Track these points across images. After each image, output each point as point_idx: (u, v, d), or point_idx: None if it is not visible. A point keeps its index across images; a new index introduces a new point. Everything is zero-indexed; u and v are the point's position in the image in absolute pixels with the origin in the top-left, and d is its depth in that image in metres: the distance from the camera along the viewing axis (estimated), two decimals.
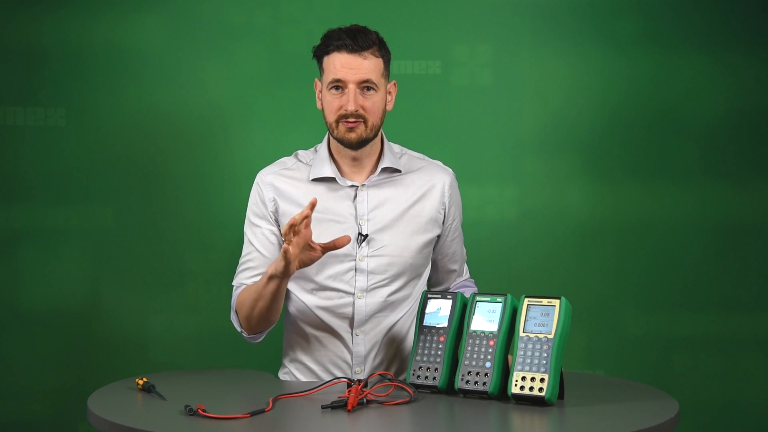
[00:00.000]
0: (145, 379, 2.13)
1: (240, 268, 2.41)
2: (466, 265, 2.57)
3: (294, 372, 2.41)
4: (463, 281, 2.55)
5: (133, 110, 3.06)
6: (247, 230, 2.41)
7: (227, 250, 3.05)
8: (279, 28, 3.08)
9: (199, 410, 1.91)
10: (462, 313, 2.17)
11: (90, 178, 3.06)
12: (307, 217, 2.09)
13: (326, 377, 2.35)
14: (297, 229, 2.09)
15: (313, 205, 2.10)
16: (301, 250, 2.14)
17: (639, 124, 3.12)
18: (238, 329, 2.37)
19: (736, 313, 3.13)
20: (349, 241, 2.17)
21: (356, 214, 2.35)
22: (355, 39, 2.27)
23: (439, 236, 2.44)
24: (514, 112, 3.12)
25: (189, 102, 3.07)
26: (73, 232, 3.05)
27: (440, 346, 2.16)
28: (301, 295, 2.37)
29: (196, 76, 3.07)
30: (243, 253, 2.41)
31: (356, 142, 2.31)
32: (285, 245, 2.09)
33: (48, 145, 3.05)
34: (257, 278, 2.36)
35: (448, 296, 2.20)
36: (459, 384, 2.09)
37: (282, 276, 2.17)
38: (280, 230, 2.37)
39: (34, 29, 3.04)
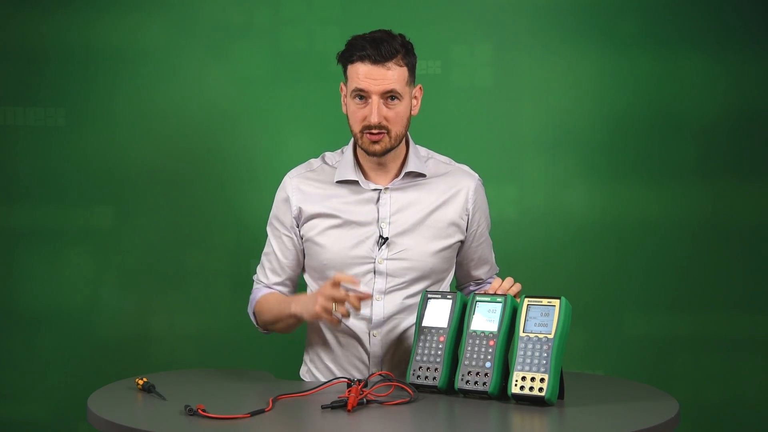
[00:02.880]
0: (145, 379, 2.13)
1: (261, 264, 2.47)
2: (497, 270, 2.56)
3: (314, 371, 2.43)
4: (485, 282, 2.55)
5: (133, 110, 3.06)
6: (269, 229, 2.45)
7: (227, 250, 3.06)
8: (279, 28, 3.08)
9: (199, 410, 1.91)
10: (462, 313, 2.17)
11: (90, 178, 3.06)
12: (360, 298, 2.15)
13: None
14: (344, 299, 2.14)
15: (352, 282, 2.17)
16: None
17: (639, 124, 3.12)
18: (254, 323, 2.45)
19: (736, 313, 3.13)
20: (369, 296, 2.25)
21: (378, 217, 2.35)
22: (379, 49, 2.24)
23: (463, 242, 2.44)
24: (514, 112, 3.12)
25: (189, 102, 3.07)
26: (73, 232, 3.05)
27: (440, 346, 2.16)
28: None
29: (196, 76, 3.07)
30: (265, 249, 2.46)
31: (380, 153, 2.32)
32: (332, 315, 2.14)
33: (48, 145, 3.05)
34: (273, 277, 2.43)
35: (448, 296, 2.20)
36: (459, 384, 2.09)
37: (304, 319, 2.26)
38: (300, 234, 2.40)
39: (35, 29, 3.04)
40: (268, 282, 2.44)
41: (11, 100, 3.04)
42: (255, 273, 2.49)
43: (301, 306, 2.24)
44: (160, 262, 3.07)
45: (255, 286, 2.47)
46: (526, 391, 2.01)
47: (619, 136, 3.12)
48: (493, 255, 2.54)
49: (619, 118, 3.12)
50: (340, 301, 2.13)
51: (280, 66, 3.08)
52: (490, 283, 2.53)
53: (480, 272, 2.51)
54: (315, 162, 2.44)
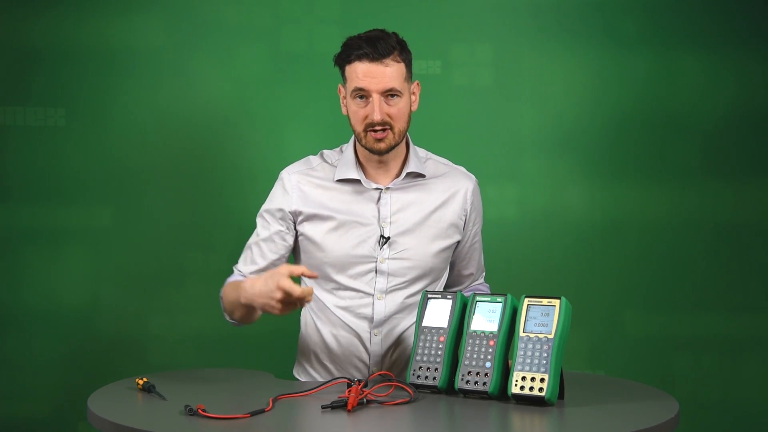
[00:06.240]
0: (145, 379, 2.13)
1: (243, 253, 2.43)
2: (483, 272, 2.57)
3: (310, 371, 2.42)
4: (477, 284, 2.55)
5: (133, 110, 3.06)
6: (259, 220, 2.42)
7: (227, 250, 3.05)
8: (279, 28, 3.08)
9: (199, 410, 1.91)
10: (462, 313, 2.17)
11: (90, 178, 3.06)
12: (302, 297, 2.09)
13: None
14: (293, 301, 2.08)
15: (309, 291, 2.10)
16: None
17: (639, 124, 3.12)
18: (223, 312, 2.40)
19: (736, 313, 3.13)
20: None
21: (379, 216, 2.35)
22: (375, 47, 2.26)
23: (459, 241, 2.44)
24: (514, 112, 3.12)
25: (189, 102, 3.07)
26: (73, 232, 3.05)
27: (440, 346, 2.16)
28: (320, 293, 2.38)
29: (197, 76, 3.07)
30: (251, 239, 2.42)
31: (385, 150, 2.32)
32: (275, 305, 2.08)
33: (48, 145, 3.05)
34: (251, 267, 2.38)
35: (448, 296, 2.20)
36: (459, 384, 2.09)
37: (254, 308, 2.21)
38: (298, 231, 2.38)
39: (34, 29, 3.04)
40: (245, 272, 2.40)
41: (11, 100, 3.04)
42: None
43: (252, 298, 2.16)
44: (160, 262, 3.07)
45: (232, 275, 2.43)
46: (526, 391, 2.01)
47: (620, 136, 3.12)
48: (483, 256, 2.55)
49: (619, 118, 3.12)
50: (294, 299, 2.08)
51: (280, 66, 3.08)
52: (479, 288, 2.54)
53: (470, 270, 2.52)
54: (314, 159, 2.43)
